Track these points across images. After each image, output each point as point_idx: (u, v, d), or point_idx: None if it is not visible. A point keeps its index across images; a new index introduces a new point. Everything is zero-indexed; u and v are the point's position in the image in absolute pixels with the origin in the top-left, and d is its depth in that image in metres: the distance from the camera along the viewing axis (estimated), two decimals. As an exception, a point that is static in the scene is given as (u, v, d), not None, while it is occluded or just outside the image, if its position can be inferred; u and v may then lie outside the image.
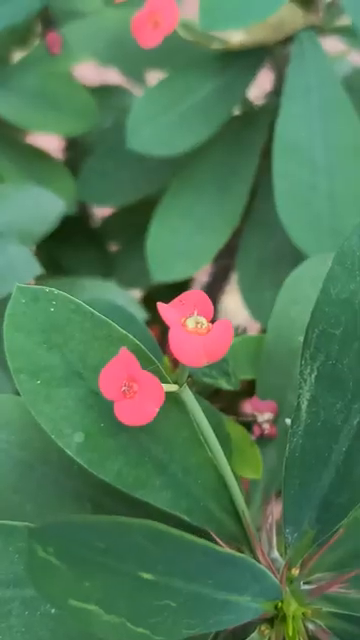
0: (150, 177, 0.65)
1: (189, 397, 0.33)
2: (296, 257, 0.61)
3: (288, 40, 0.58)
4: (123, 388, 0.31)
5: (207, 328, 0.31)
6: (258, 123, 0.62)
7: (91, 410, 0.33)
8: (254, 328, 0.77)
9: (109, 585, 0.23)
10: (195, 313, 0.31)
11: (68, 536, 0.22)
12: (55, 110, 0.68)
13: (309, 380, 0.30)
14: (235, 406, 0.76)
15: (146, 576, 0.23)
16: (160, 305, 0.31)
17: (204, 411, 0.44)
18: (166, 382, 0.34)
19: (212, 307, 0.32)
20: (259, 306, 0.63)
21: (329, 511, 0.31)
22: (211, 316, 0.32)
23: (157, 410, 0.30)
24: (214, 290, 0.86)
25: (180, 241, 0.59)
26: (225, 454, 0.42)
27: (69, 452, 0.33)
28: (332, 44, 0.62)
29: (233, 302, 0.98)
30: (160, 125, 0.55)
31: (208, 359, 0.30)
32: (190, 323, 0.31)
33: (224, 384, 0.44)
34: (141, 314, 0.66)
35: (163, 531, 0.23)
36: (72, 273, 0.79)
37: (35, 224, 0.61)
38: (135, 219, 0.73)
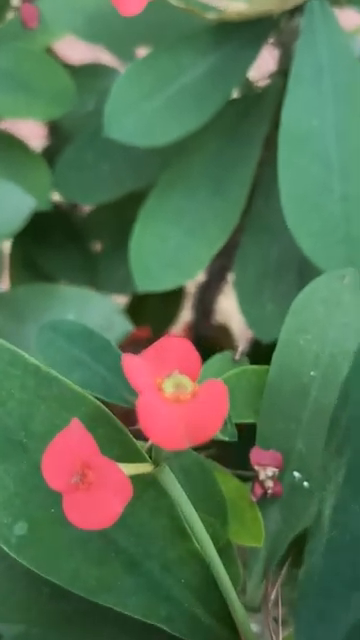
0: (135, 170, 0.58)
1: (169, 478, 0.25)
2: (301, 265, 0.55)
3: (297, 10, 0.51)
4: (74, 478, 0.22)
5: (192, 392, 0.22)
6: (260, 109, 0.55)
7: (37, 492, 0.26)
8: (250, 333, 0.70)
9: None
10: (176, 371, 0.23)
11: None
12: (28, 93, 0.62)
13: (334, 479, 0.22)
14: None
15: None
16: (126, 359, 0.23)
17: (192, 463, 0.36)
18: (140, 458, 0.25)
19: (199, 361, 0.24)
20: (260, 321, 0.56)
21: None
22: (197, 375, 0.23)
23: (121, 509, 0.22)
24: (211, 291, 0.80)
25: (168, 248, 0.52)
26: (218, 519, 0.35)
27: (7, 549, 0.25)
28: (348, 17, 0.55)
29: (229, 303, 0.91)
30: (144, 111, 0.48)
31: (191, 440, 0.22)
32: (168, 386, 0.22)
33: (218, 433, 0.36)
34: (125, 326, 0.59)
35: None
36: (51, 276, 0.73)
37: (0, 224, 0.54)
38: (123, 213, 0.66)
